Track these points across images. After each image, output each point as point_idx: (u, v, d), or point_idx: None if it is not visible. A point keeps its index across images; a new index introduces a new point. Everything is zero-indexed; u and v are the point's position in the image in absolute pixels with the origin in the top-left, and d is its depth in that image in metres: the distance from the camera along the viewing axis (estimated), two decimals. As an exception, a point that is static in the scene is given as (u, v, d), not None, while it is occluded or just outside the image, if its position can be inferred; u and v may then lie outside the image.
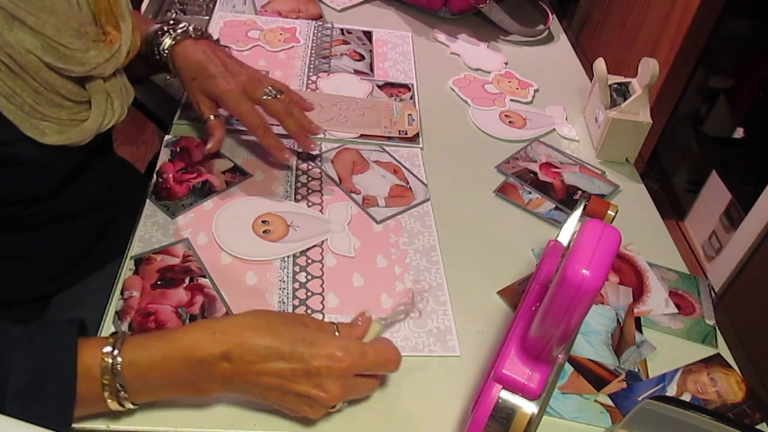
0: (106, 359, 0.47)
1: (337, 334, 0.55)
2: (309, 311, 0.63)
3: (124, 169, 0.86)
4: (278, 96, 0.74)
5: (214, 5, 1.11)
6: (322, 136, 0.85)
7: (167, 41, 0.74)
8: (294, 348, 0.49)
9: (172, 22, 0.76)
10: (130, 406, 0.50)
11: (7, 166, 0.57)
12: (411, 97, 0.96)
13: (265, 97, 0.74)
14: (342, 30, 1.09)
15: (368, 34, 1.09)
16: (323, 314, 0.63)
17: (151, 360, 0.48)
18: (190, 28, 0.76)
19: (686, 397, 0.62)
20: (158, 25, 0.77)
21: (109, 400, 0.48)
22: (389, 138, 0.87)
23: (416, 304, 0.63)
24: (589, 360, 0.63)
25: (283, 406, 0.52)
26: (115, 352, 0.48)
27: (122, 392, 0.48)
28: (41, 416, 0.44)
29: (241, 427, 0.54)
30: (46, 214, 0.67)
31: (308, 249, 0.70)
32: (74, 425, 0.52)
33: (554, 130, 0.94)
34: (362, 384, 0.54)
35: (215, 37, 0.80)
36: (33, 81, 0.54)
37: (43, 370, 0.46)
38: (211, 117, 0.75)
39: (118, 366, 0.47)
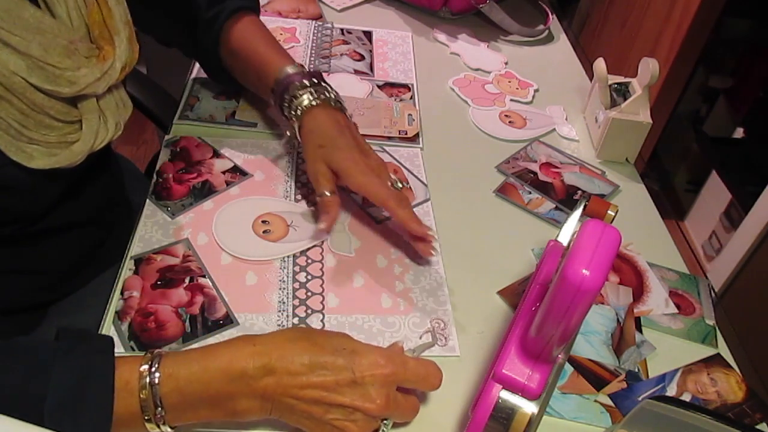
0: (144, 374, 0.46)
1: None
2: (309, 311, 0.63)
3: (125, 177, 0.85)
4: (401, 188, 0.69)
5: (215, 5, 1.11)
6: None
7: (306, 100, 0.70)
8: (336, 358, 0.48)
9: (315, 80, 0.72)
10: (168, 429, 0.47)
11: None
12: (411, 97, 0.96)
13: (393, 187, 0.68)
14: (342, 30, 1.09)
15: (368, 34, 1.09)
16: (323, 314, 0.63)
17: (189, 372, 0.47)
18: (333, 95, 0.72)
19: (686, 397, 0.62)
20: (299, 73, 0.72)
21: (146, 419, 0.46)
22: (389, 138, 0.87)
23: (436, 336, 0.63)
24: (589, 360, 0.63)
25: (323, 426, 0.49)
26: (153, 367, 0.46)
27: (160, 409, 0.46)
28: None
29: (241, 427, 0.54)
30: (41, 231, 0.65)
31: (308, 249, 0.70)
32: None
33: (554, 130, 0.94)
34: (405, 402, 0.52)
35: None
36: (20, 103, 0.51)
37: (81, 386, 0.44)
38: (327, 192, 0.67)
39: (156, 380, 0.46)
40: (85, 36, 0.55)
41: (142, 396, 0.46)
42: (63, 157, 0.55)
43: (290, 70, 0.73)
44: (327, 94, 0.71)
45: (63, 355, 0.45)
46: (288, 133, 0.75)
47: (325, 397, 0.48)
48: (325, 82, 0.73)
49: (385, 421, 0.52)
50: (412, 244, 0.69)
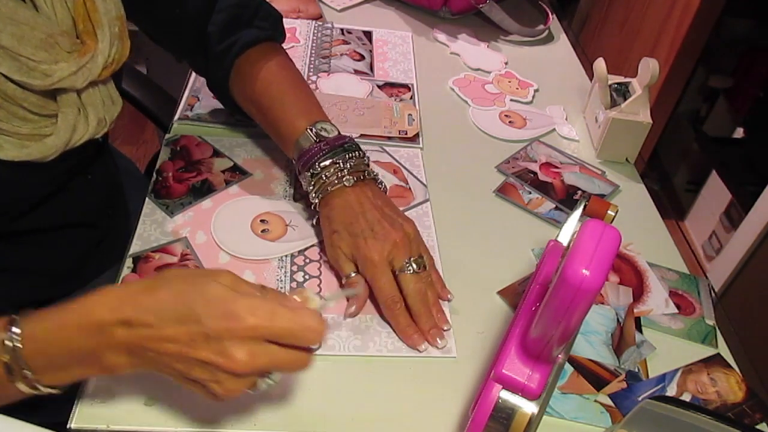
0: (3, 336, 0.44)
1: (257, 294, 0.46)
2: (308, 311, 0.63)
3: (125, 179, 0.84)
4: (418, 272, 0.63)
5: (214, 5, 1.11)
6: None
7: (327, 182, 0.65)
8: (190, 308, 0.43)
9: (347, 157, 0.66)
10: (47, 389, 0.45)
11: None
12: (411, 97, 0.96)
13: (403, 272, 0.62)
14: (342, 30, 1.09)
15: (368, 34, 1.09)
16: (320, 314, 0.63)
17: (47, 331, 0.44)
18: (364, 174, 0.66)
19: (686, 397, 0.61)
20: (315, 146, 0.66)
21: (17, 382, 0.44)
22: (389, 138, 0.87)
23: (360, 285, 0.60)
24: (589, 360, 0.63)
25: (193, 384, 0.45)
26: (13, 328, 0.44)
27: (26, 371, 0.44)
28: None
29: (241, 427, 0.54)
30: (30, 230, 0.64)
31: (306, 248, 0.70)
32: (74, 425, 0.52)
33: (554, 130, 0.94)
34: (282, 355, 0.45)
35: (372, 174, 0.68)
36: None
37: None
38: (352, 273, 0.64)
39: (18, 342, 0.44)
40: (69, 30, 0.54)
41: (4, 360, 0.44)
42: (35, 149, 0.53)
43: (305, 143, 0.67)
44: (352, 164, 0.65)
45: None
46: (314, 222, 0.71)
47: (184, 352, 0.43)
48: (353, 144, 0.67)
49: (267, 377, 0.47)
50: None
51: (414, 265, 0.62)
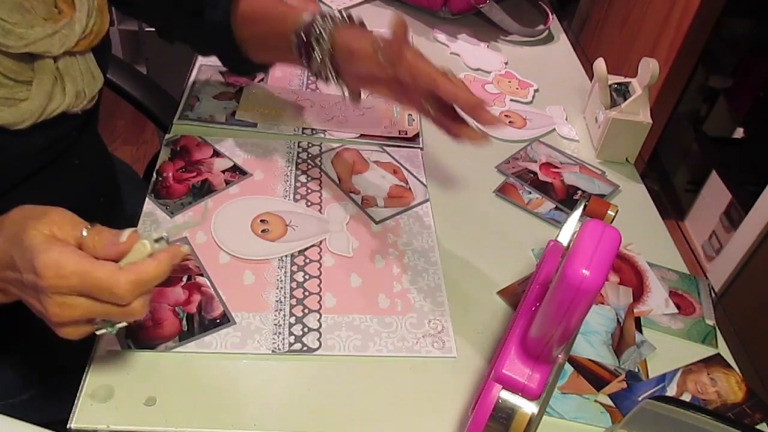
0: None
1: (85, 233, 0.47)
2: (306, 311, 0.63)
3: (122, 182, 0.84)
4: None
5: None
6: (322, 136, 0.85)
7: (329, 26, 0.66)
8: (11, 257, 0.45)
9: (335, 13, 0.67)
10: None
11: None
12: (411, 97, 0.96)
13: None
14: (342, 29, 1.09)
15: (368, 34, 1.09)
16: (320, 314, 0.63)
17: None
18: (354, 18, 0.68)
19: (686, 397, 0.61)
20: (317, 13, 0.67)
21: None
22: (389, 138, 0.87)
23: (204, 217, 0.58)
24: (589, 360, 0.63)
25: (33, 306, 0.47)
26: None
27: None
28: None
29: (241, 427, 0.54)
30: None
31: (306, 248, 0.70)
32: (74, 425, 0.52)
33: (554, 130, 0.94)
34: (97, 308, 0.45)
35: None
36: None
37: None
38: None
39: None
40: None
41: None
42: (8, 113, 0.53)
43: (307, 17, 0.67)
44: (349, 18, 0.66)
45: None
46: (340, 89, 0.69)
47: (21, 295, 0.47)
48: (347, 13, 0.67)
49: (105, 325, 0.48)
50: (466, 125, 0.61)
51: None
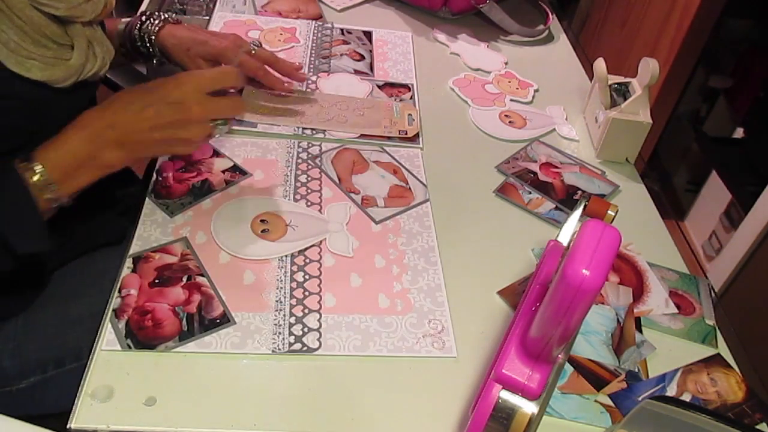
0: (30, 171, 0.58)
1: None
2: (306, 311, 0.63)
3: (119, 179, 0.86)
4: (259, 47, 0.86)
5: (214, 5, 1.11)
6: (322, 136, 0.85)
7: (152, 28, 0.82)
8: (149, 93, 0.61)
9: (143, 14, 0.84)
10: (64, 199, 0.60)
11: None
12: (411, 97, 0.96)
13: (252, 51, 0.85)
14: (342, 30, 1.09)
15: (368, 34, 1.09)
16: (320, 314, 0.63)
17: (58, 154, 0.59)
18: (165, 15, 0.84)
19: (686, 397, 0.61)
20: (129, 19, 0.84)
21: (46, 194, 0.58)
22: (389, 138, 0.87)
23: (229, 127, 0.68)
24: (589, 360, 0.63)
25: (174, 145, 0.64)
26: (36, 165, 0.58)
27: (52, 185, 0.58)
28: (20, 231, 0.58)
29: (241, 427, 0.54)
30: None
31: (306, 248, 0.70)
32: (74, 425, 0.52)
33: (554, 130, 0.94)
34: (222, 102, 0.63)
35: None
36: (18, 19, 0.56)
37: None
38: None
39: (41, 168, 0.58)
40: None
41: (35, 180, 0.58)
42: (58, 71, 0.61)
43: (121, 25, 0.84)
44: (163, 16, 0.83)
45: None
46: (155, 63, 0.85)
47: (157, 124, 0.61)
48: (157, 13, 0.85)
49: (216, 123, 0.63)
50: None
51: (257, 45, 0.86)
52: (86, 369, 0.56)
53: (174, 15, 0.86)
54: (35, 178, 0.58)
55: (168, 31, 0.83)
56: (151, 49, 0.84)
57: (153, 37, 0.82)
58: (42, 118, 0.63)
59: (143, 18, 0.83)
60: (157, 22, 0.83)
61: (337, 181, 0.79)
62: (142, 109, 0.60)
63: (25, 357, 0.71)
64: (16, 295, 0.72)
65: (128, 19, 0.84)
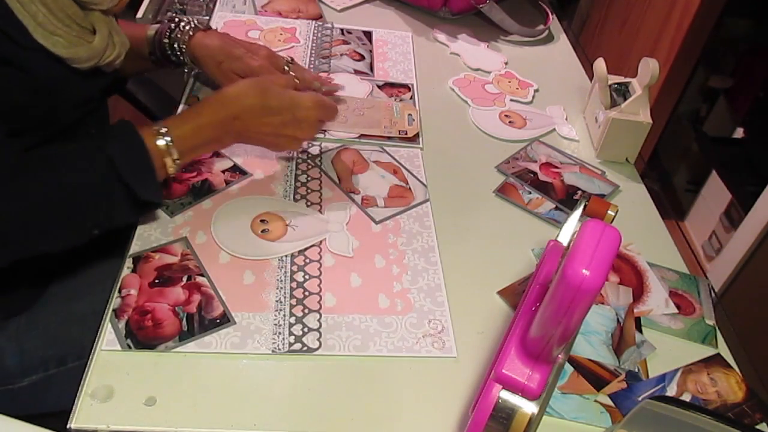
0: (160, 140, 0.64)
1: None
2: (306, 311, 0.63)
3: None
4: (293, 63, 0.86)
5: (214, 5, 1.11)
6: (321, 135, 0.85)
7: (182, 36, 0.82)
8: (279, 98, 0.71)
9: (172, 20, 0.82)
10: (178, 171, 0.68)
11: (19, 72, 0.61)
12: (411, 97, 0.96)
13: (286, 67, 0.84)
14: (342, 30, 1.09)
15: (368, 34, 1.09)
16: (320, 314, 0.63)
17: (188, 130, 0.67)
18: (195, 22, 0.83)
19: (686, 397, 0.61)
20: (158, 25, 0.83)
21: (167, 158, 0.65)
22: (389, 138, 0.87)
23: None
24: (589, 360, 0.63)
25: (275, 144, 0.74)
26: (166, 136, 0.65)
27: (175, 155, 0.65)
28: (144, 182, 0.63)
29: (241, 427, 0.54)
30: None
31: (306, 248, 0.70)
32: (74, 425, 0.52)
33: (554, 130, 0.94)
34: (318, 126, 0.75)
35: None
36: None
37: (130, 151, 0.63)
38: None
39: (170, 140, 0.65)
40: None
41: (161, 145, 0.65)
42: (81, 50, 0.64)
43: (150, 30, 0.84)
44: (192, 23, 0.83)
45: (109, 140, 0.62)
46: (186, 71, 0.88)
47: (276, 131, 0.71)
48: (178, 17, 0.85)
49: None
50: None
51: (289, 60, 0.86)
52: (86, 369, 0.56)
53: (205, 20, 0.85)
54: (160, 143, 0.65)
55: (198, 39, 0.82)
56: (182, 58, 0.83)
57: (184, 46, 0.82)
58: (51, 100, 0.65)
59: (172, 25, 0.82)
60: (187, 29, 0.82)
61: (337, 181, 0.79)
62: (270, 115, 0.70)
63: (28, 355, 0.71)
64: (20, 294, 0.73)
65: (157, 26, 0.83)
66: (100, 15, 0.66)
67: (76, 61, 0.64)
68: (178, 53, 0.83)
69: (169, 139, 0.65)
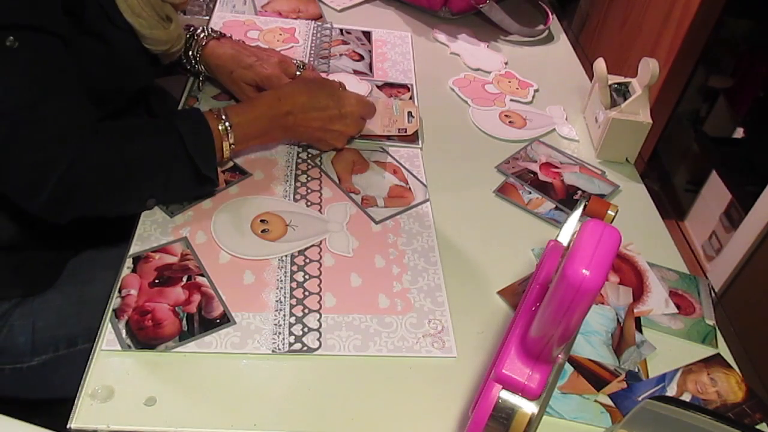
0: (221, 124, 0.70)
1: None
2: (306, 311, 0.63)
3: None
4: (304, 67, 0.89)
5: (214, 5, 1.11)
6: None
7: (196, 46, 0.85)
8: (329, 101, 0.78)
9: (187, 29, 0.85)
10: (231, 159, 0.77)
11: (105, 46, 0.68)
12: (410, 98, 0.96)
13: (298, 73, 0.87)
14: (341, 30, 1.09)
15: (367, 34, 1.09)
16: (320, 314, 0.63)
17: (246, 120, 0.73)
18: (208, 30, 0.87)
19: (686, 397, 0.61)
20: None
21: (225, 141, 0.71)
22: (389, 138, 0.87)
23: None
24: (589, 360, 0.63)
25: (322, 139, 0.80)
26: (226, 122, 0.70)
27: (232, 141, 0.71)
28: (206, 157, 0.68)
29: (241, 427, 0.54)
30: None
31: (306, 248, 0.70)
32: (74, 425, 0.52)
33: (554, 130, 0.94)
34: (361, 122, 0.83)
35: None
36: None
37: (197, 129, 0.68)
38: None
39: (229, 125, 0.71)
40: None
41: (220, 129, 0.70)
42: (161, 32, 0.73)
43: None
44: (205, 31, 0.86)
45: (177, 119, 0.68)
46: (200, 79, 0.90)
47: (324, 126, 0.78)
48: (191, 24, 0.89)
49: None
50: None
51: (301, 65, 0.89)
52: (86, 369, 0.56)
53: (217, 31, 0.88)
54: (221, 127, 0.70)
55: (211, 49, 0.85)
56: (197, 66, 0.87)
57: (198, 56, 0.86)
58: (121, 79, 0.73)
59: (187, 35, 0.85)
60: (202, 36, 0.85)
61: (337, 181, 0.79)
62: (318, 110, 0.77)
63: (39, 334, 0.73)
64: (39, 274, 0.75)
65: None
66: (171, 8, 0.75)
67: (155, 42, 0.72)
68: (194, 62, 0.86)
69: (228, 125, 0.70)
